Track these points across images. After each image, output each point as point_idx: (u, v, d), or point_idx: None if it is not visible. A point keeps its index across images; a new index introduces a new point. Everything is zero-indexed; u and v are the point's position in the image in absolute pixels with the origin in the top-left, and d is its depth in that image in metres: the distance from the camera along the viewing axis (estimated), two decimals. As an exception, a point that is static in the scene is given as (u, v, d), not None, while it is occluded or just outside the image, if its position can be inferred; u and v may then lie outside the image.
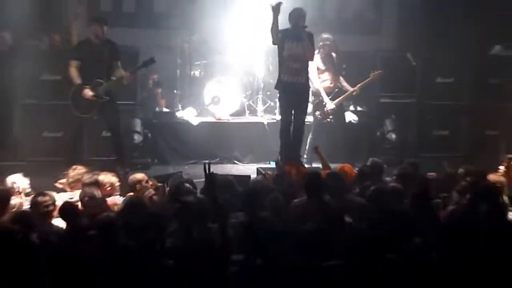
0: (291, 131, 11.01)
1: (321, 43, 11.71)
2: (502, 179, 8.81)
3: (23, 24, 12.01)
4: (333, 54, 11.97)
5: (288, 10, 10.67)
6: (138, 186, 8.71)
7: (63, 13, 13.45)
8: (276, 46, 10.77)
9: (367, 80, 11.90)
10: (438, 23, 13.09)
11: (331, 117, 11.97)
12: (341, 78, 12.11)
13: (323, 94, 11.72)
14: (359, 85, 11.89)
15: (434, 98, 12.90)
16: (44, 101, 11.82)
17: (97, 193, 8.20)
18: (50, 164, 10.71)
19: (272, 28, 10.48)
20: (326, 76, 11.89)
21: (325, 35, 11.92)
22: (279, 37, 10.55)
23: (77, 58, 10.99)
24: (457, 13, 13.05)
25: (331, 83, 11.88)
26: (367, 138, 12.73)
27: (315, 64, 11.56)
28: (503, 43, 12.97)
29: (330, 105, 11.77)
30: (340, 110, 12.08)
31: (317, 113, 11.86)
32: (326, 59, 11.84)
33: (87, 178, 8.78)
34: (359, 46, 13.51)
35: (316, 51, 11.33)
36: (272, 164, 11.12)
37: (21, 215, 7.37)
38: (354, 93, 11.96)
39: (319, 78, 11.78)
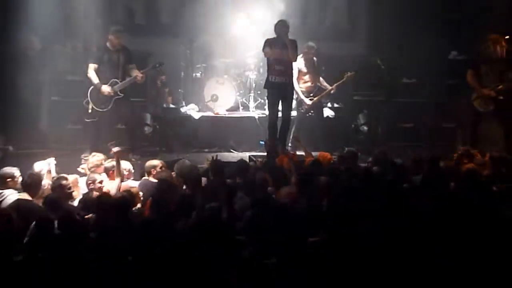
0: (278, 123, 11.11)
1: (305, 50, 11.86)
2: (452, 164, 9.06)
3: (50, 32, 12.07)
4: (314, 59, 12.11)
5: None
6: (153, 170, 8.77)
7: (83, 22, 13.44)
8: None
9: (342, 80, 12.01)
10: (403, 32, 13.11)
11: (312, 112, 12.06)
12: (321, 79, 12.24)
13: (300, 93, 11.91)
14: (335, 84, 12.00)
15: (400, 96, 13.04)
16: (67, 98, 11.98)
17: (99, 177, 8.33)
18: (72, 152, 10.79)
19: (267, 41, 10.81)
20: (308, 77, 12.09)
21: (309, 43, 12.08)
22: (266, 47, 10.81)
23: (95, 61, 11.12)
24: (420, 24, 13.09)
25: (311, 83, 12.10)
26: (342, 130, 12.74)
27: (298, 67, 11.72)
28: (459, 49, 13.10)
29: (307, 101, 12.00)
30: (319, 106, 12.26)
31: (300, 108, 11.96)
32: (308, 63, 12.04)
33: (108, 163, 8.85)
34: (336, 51, 13.53)
35: (300, 56, 11.54)
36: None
37: (50, 199, 7.49)
38: (332, 91, 12.13)
39: (301, 79, 12.00)
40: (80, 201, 7.84)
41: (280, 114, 11.15)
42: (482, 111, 11.49)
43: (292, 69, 11.10)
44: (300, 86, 11.99)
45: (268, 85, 11.11)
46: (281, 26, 10.78)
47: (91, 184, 8.18)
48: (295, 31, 11.19)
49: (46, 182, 8.29)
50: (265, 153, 10.67)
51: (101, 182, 8.24)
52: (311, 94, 12.03)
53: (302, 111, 12.02)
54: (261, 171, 8.55)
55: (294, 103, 11.61)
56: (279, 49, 10.82)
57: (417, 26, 13.14)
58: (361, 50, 13.99)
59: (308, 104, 11.92)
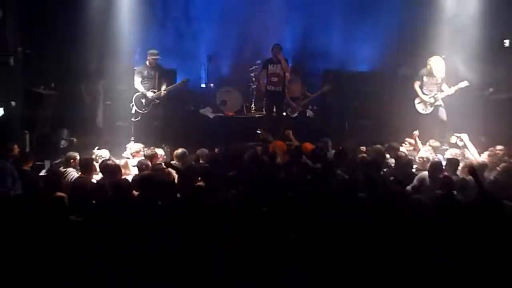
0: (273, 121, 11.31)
1: (292, 69, 11.93)
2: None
3: (104, 53, 12.04)
4: (299, 76, 12.16)
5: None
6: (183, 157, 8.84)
7: (127, 47, 13.47)
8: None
9: (321, 91, 12.12)
10: (366, 54, 13.17)
11: (297, 113, 12.14)
12: (305, 89, 12.27)
13: (289, 100, 11.98)
14: (316, 93, 12.07)
15: (362, 101, 12.88)
16: (117, 102, 11.91)
17: (148, 162, 8.35)
18: (121, 142, 10.79)
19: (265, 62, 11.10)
20: (294, 89, 12.08)
21: (295, 65, 12.23)
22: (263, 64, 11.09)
23: (139, 76, 11.21)
24: (379, 46, 13.13)
25: (297, 94, 12.10)
26: (319, 126, 12.59)
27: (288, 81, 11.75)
28: (407, 66, 12.93)
29: (294, 105, 12.04)
30: (303, 110, 12.25)
31: (288, 110, 12.04)
32: (296, 77, 11.99)
33: (148, 151, 8.94)
34: (316, 68, 13.43)
35: (289, 73, 11.52)
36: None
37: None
38: (313, 97, 12.16)
39: (289, 90, 12.00)
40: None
41: (274, 114, 11.35)
42: (423, 113, 11.59)
43: (284, 81, 11.22)
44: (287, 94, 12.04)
45: (266, 93, 11.29)
46: (276, 48, 11.05)
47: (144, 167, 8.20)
48: (286, 53, 11.38)
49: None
50: (261, 142, 10.78)
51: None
52: (295, 102, 12.12)
53: (290, 112, 12.08)
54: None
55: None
56: (275, 65, 11.01)
57: (375, 49, 13.19)
58: (333, 67, 13.89)
59: (296, 107, 11.99)
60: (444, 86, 11.41)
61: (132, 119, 11.43)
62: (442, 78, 11.41)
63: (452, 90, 11.27)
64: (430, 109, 11.51)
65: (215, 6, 13.67)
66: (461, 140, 9.60)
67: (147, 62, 11.30)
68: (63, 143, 11.11)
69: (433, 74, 11.38)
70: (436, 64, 11.33)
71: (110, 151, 9.24)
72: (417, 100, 11.60)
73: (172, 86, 11.39)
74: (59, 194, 6.40)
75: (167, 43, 13.45)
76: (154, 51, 11.35)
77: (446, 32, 11.86)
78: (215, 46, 13.64)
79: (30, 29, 10.94)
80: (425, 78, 11.50)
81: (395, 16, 12.88)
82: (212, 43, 13.72)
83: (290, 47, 12.83)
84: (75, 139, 11.33)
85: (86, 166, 8.02)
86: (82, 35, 11.47)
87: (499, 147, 9.20)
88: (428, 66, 11.43)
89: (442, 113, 11.48)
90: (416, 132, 9.94)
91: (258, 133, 10.46)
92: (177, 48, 13.74)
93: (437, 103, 11.44)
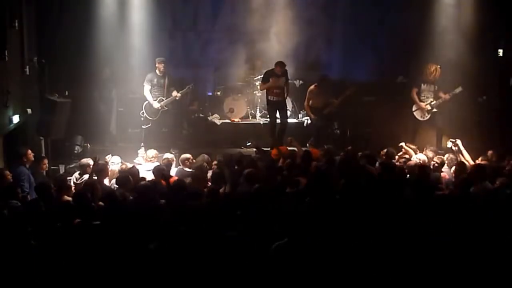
0: (276, 128, 11.27)
1: (318, 81, 11.79)
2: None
3: (117, 63, 12.04)
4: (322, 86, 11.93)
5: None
6: (186, 161, 8.85)
7: (139, 56, 13.43)
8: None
9: (345, 94, 11.84)
10: (366, 64, 13.09)
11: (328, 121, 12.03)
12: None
13: (308, 112, 11.91)
14: (340, 98, 11.82)
15: (363, 110, 12.69)
16: (129, 109, 11.94)
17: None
18: (133, 148, 10.79)
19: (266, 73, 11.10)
20: (318, 99, 11.77)
21: (322, 75, 12.06)
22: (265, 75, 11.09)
23: (148, 84, 11.15)
24: (377, 57, 13.10)
25: (320, 104, 11.74)
26: (323, 133, 12.22)
27: (313, 91, 11.67)
28: (404, 75, 12.97)
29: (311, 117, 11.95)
30: (328, 117, 12.07)
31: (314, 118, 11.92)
32: (319, 89, 11.73)
33: (164, 158, 8.90)
34: (315, 78, 13.26)
35: (315, 85, 11.65)
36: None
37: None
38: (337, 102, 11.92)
39: (312, 99, 11.74)
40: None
41: (278, 121, 11.29)
42: (420, 119, 11.62)
43: (284, 90, 11.19)
44: (312, 104, 11.78)
45: (268, 102, 11.30)
46: (280, 64, 10.99)
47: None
48: (290, 62, 11.36)
49: (117, 169, 8.41)
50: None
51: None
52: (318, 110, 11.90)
53: (318, 123, 11.89)
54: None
55: (289, 113, 11.66)
56: (276, 78, 10.99)
57: (375, 60, 13.09)
58: (335, 77, 13.73)
59: (313, 118, 11.83)
60: (441, 94, 11.43)
61: (143, 126, 11.39)
62: (439, 86, 11.45)
63: (447, 96, 11.32)
64: (427, 116, 11.55)
65: (222, 18, 13.56)
66: (456, 145, 9.55)
67: (157, 70, 11.21)
68: (77, 149, 11.08)
69: (430, 81, 11.42)
70: (433, 72, 11.32)
71: (122, 157, 9.23)
72: (414, 107, 11.64)
73: (179, 92, 11.34)
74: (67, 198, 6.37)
75: (177, 53, 13.40)
76: (162, 59, 11.27)
77: (442, 41, 12.01)
78: (222, 57, 13.50)
79: (45, 39, 11.07)
80: (422, 86, 11.55)
81: (393, 27, 12.98)
82: (219, 54, 13.58)
83: (294, 57, 12.68)
84: (88, 145, 11.36)
85: (100, 171, 7.98)
86: (95, 45, 11.48)
87: (489, 152, 9.41)
88: (425, 73, 11.45)
89: (439, 120, 11.57)
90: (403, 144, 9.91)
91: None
92: (186, 58, 13.68)
93: (434, 110, 11.47)
